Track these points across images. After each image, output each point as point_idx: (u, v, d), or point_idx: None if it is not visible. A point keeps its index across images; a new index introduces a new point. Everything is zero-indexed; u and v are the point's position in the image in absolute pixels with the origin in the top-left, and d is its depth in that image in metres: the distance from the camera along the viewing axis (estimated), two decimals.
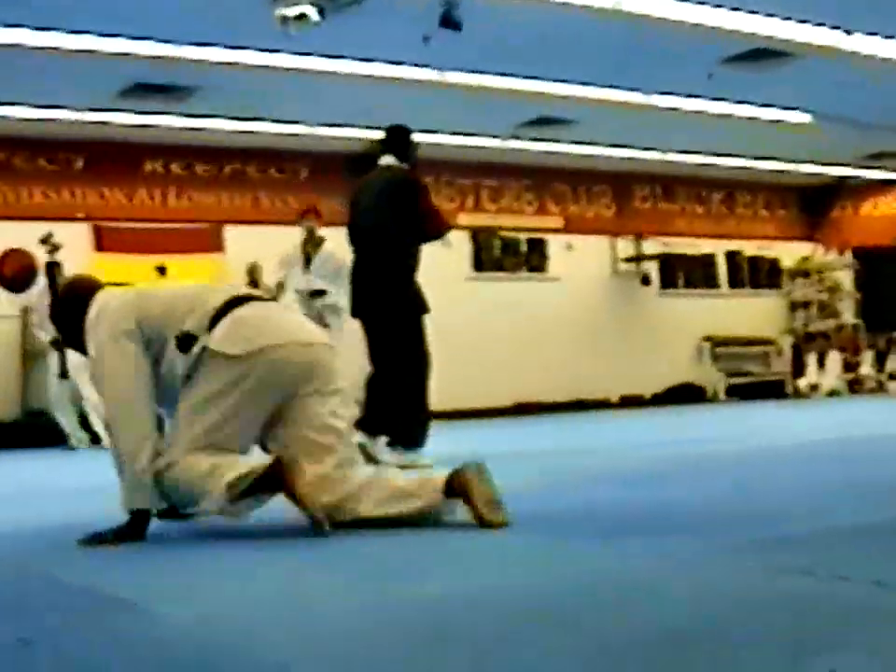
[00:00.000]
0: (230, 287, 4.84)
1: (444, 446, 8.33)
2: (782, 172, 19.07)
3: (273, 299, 14.24)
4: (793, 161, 18.49)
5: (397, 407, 7.87)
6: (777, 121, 15.24)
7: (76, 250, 13.94)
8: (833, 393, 18.84)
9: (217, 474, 4.26)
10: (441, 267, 16.12)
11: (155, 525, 4.44)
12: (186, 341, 4.44)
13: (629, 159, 17.43)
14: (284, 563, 3.78)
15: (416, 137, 8.47)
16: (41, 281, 13.57)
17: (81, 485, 7.50)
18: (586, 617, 2.66)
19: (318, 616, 2.85)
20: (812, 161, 18.59)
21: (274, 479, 4.23)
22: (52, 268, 13.57)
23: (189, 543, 4.23)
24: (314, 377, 4.48)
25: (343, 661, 2.33)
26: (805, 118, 15.19)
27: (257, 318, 4.52)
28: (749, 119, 15.02)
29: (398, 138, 8.27)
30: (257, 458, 4.39)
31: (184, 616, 2.84)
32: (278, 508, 4.39)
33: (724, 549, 3.49)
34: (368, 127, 13.98)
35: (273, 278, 12.65)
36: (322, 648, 2.48)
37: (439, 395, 12.59)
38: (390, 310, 7.90)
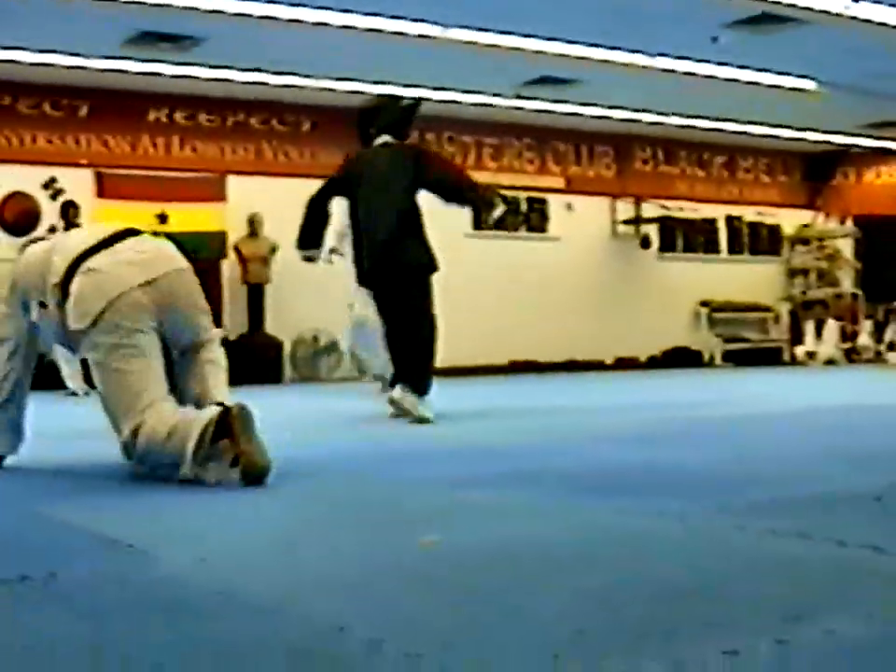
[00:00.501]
0: (76, 237, 4.93)
1: (441, 403, 8.36)
2: (785, 138, 19.02)
3: (274, 250, 14.30)
4: (797, 128, 18.43)
5: (414, 355, 8.12)
6: (782, 87, 15.19)
7: (78, 196, 13.96)
8: (829, 362, 18.85)
9: (178, 439, 4.37)
10: (440, 224, 16.13)
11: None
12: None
13: (631, 120, 17.37)
14: (281, 507, 3.80)
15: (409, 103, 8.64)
16: (46, 222, 13.64)
17: (80, 428, 7.51)
18: (582, 569, 2.68)
19: (316, 560, 2.87)
20: (816, 129, 18.53)
21: (226, 429, 4.32)
22: (68, 208, 13.60)
23: (185, 488, 4.24)
24: (169, 306, 4.68)
25: (338, 603, 2.34)
26: (809, 84, 15.15)
27: (94, 281, 4.62)
28: (754, 83, 14.96)
29: (392, 116, 8.36)
30: (208, 412, 4.40)
31: (181, 558, 2.86)
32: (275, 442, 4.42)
33: (721, 510, 3.50)
34: (371, 81, 13.96)
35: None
36: (318, 591, 2.49)
37: None
38: (410, 269, 8.11)
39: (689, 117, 17.36)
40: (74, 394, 11.26)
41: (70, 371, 11.16)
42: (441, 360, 11.62)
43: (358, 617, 2.22)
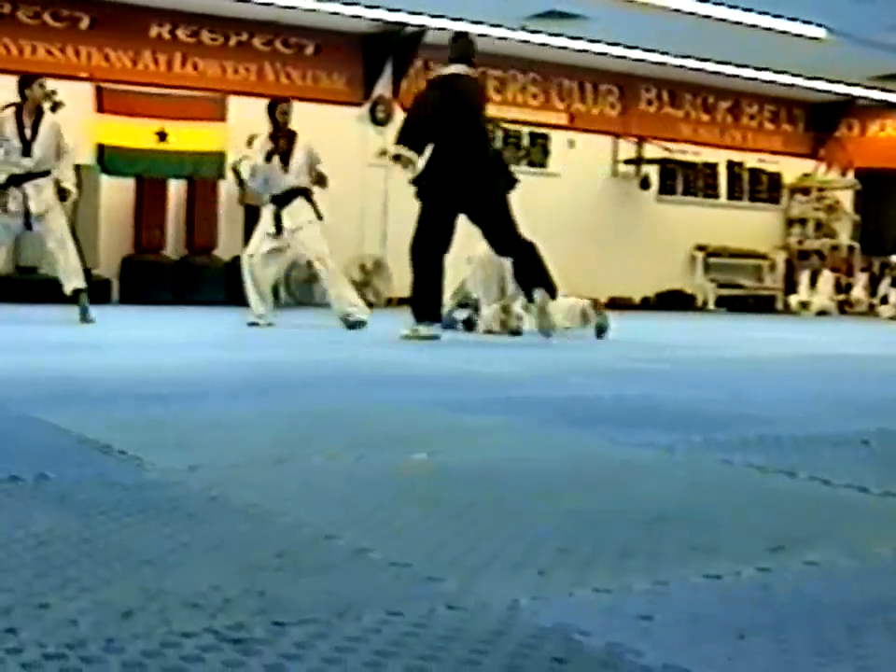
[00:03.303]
0: None
1: (431, 332, 8.38)
2: (791, 86, 18.92)
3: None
4: (804, 76, 18.33)
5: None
6: (792, 33, 15.09)
7: (77, 110, 13.86)
8: (822, 312, 18.86)
9: None
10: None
11: (151, 384, 4.48)
12: None
13: (638, 60, 17.26)
14: (271, 420, 3.82)
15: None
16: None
17: (76, 340, 7.55)
18: (568, 492, 2.71)
19: (305, 472, 2.91)
20: (823, 78, 18.44)
21: None
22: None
23: (182, 399, 4.27)
24: None
25: (327, 514, 2.36)
26: (819, 32, 15.05)
27: None
28: (764, 29, 14.86)
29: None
30: None
31: (172, 464, 2.88)
32: (271, 361, 4.43)
33: (708, 445, 3.52)
34: (376, 7, 13.87)
35: None
36: (307, 501, 2.52)
37: None
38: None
39: (696, 59, 17.26)
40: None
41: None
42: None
43: (346, 527, 2.24)
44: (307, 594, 1.77)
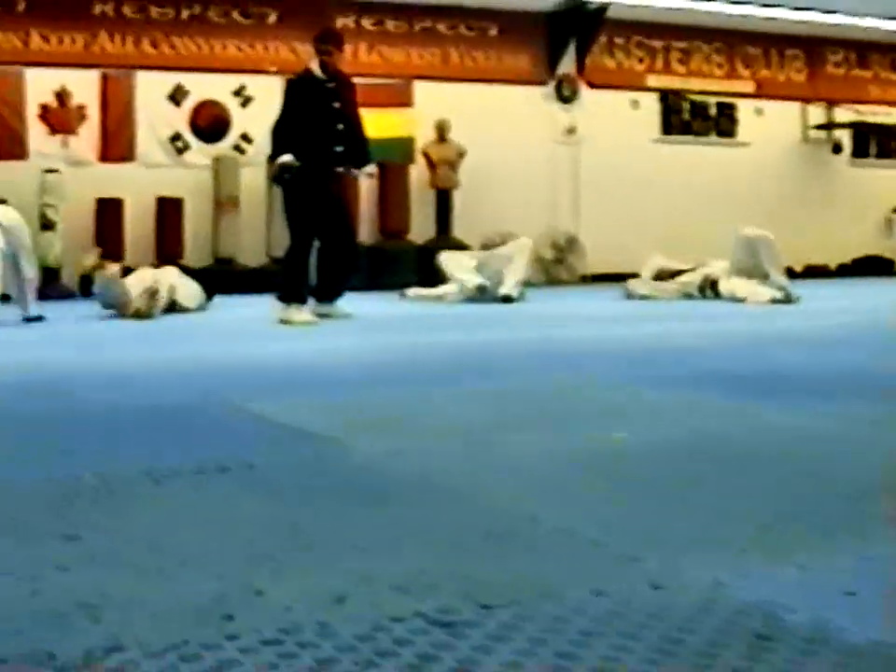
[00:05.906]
0: None
1: (629, 307, 8.32)
2: None
3: (461, 155, 14.44)
4: None
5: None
6: None
7: (267, 103, 14.12)
8: None
9: None
10: (629, 128, 16.00)
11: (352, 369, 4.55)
12: None
13: (822, 23, 16.86)
14: (471, 402, 3.85)
15: None
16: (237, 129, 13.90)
17: (279, 329, 7.67)
18: (770, 468, 2.68)
19: (508, 452, 2.94)
20: None
21: None
22: None
23: (382, 384, 4.33)
24: None
25: (527, 494, 2.39)
26: None
27: None
28: None
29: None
30: None
31: (377, 449, 2.94)
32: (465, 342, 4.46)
33: None
34: None
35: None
36: (508, 482, 2.55)
37: (619, 256, 12.52)
38: None
39: (883, 18, 16.78)
40: None
41: None
42: (622, 265, 11.60)
43: (549, 507, 2.27)
44: (511, 575, 1.80)
